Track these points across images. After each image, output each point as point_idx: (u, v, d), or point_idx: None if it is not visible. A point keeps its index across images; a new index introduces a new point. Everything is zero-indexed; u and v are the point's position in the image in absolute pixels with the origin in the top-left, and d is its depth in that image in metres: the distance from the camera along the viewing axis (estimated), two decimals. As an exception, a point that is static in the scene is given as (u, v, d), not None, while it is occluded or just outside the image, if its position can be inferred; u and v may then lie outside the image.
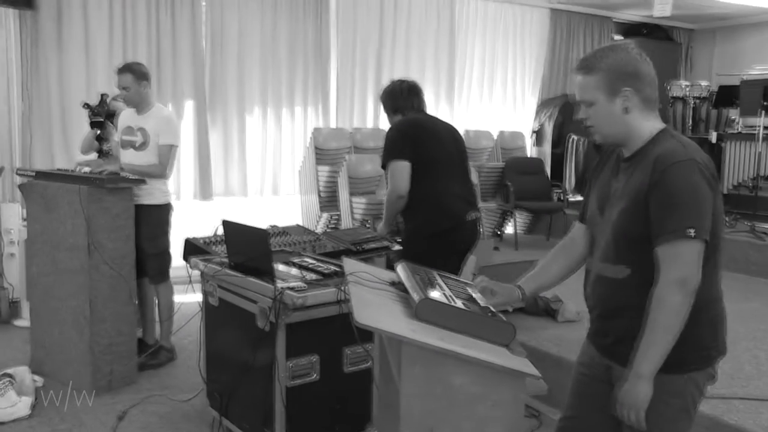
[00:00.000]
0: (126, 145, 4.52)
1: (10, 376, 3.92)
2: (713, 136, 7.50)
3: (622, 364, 2.05)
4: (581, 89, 2.04)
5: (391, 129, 3.88)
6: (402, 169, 3.72)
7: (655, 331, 1.90)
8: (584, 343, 2.29)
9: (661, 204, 1.89)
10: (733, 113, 8.24)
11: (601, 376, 2.16)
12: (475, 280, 2.26)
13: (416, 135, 3.78)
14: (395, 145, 3.77)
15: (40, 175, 4.40)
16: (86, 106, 4.81)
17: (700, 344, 2.00)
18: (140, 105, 4.50)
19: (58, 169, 4.66)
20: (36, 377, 4.14)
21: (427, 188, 3.75)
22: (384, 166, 3.83)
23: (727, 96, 8.06)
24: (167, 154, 4.46)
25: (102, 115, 4.78)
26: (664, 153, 1.93)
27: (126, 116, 4.61)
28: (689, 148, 1.94)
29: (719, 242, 1.98)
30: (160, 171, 4.47)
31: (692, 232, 1.85)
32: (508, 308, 2.34)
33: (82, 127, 5.87)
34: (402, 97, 3.91)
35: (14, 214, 5.76)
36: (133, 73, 4.42)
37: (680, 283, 1.87)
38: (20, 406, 3.78)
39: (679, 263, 1.88)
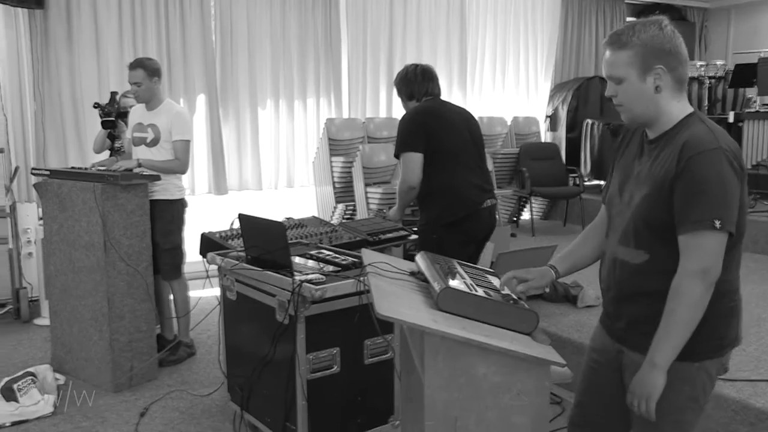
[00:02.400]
0: (138, 142, 4.51)
1: (32, 374, 3.94)
2: (731, 116, 7.39)
3: (632, 349, 2.03)
4: (611, 65, 1.96)
5: (403, 118, 3.84)
6: (414, 160, 3.68)
7: (672, 321, 1.87)
8: (596, 327, 2.27)
9: (686, 193, 1.84)
10: (751, 92, 8.13)
11: (612, 361, 2.13)
12: (503, 278, 2.22)
13: (429, 124, 3.73)
14: (408, 136, 3.73)
15: (55, 173, 4.40)
16: (97, 105, 4.82)
17: (714, 334, 1.96)
18: (151, 101, 4.49)
19: (72, 168, 4.66)
20: (58, 375, 4.16)
21: (443, 177, 3.72)
22: (397, 156, 3.79)
23: (744, 75, 7.94)
24: (183, 149, 4.46)
25: (113, 114, 4.79)
26: (692, 139, 1.86)
27: (136, 113, 4.60)
28: (718, 135, 1.87)
29: (742, 233, 1.93)
30: (180, 167, 4.47)
31: (718, 223, 1.80)
32: (545, 290, 2.32)
33: (94, 125, 5.90)
34: (416, 83, 3.86)
35: (31, 214, 5.79)
36: (145, 68, 4.41)
37: (701, 274, 1.83)
38: (43, 404, 3.81)
39: (701, 254, 1.83)
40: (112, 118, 4.78)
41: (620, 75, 1.95)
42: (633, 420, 2.07)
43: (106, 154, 5.02)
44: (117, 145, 4.86)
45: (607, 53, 1.97)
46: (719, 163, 1.82)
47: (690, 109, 1.98)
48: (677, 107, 1.96)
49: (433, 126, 3.74)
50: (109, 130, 4.85)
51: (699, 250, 1.84)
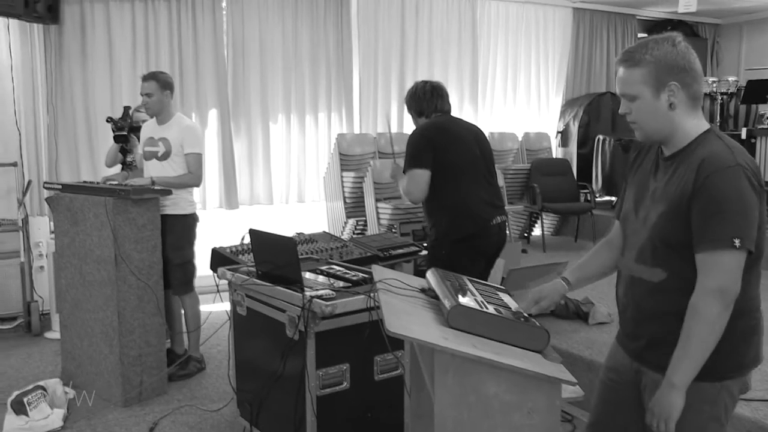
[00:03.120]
0: (149, 156, 4.54)
1: (42, 388, 3.94)
2: (743, 132, 7.34)
3: (652, 368, 2.01)
4: (624, 83, 1.95)
5: (412, 135, 3.83)
6: (420, 177, 3.67)
7: (690, 341, 1.85)
8: (612, 346, 2.25)
9: (705, 211, 1.82)
10: (763, 108, 8.10)
11: (630, 381, 2.11)
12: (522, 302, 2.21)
13: (438, 141, 3.72)
14: (416, 152, 3.73)
15: (67, 188, 4.42)
16: (110, 120, 4.84)
17: (735, 353, 1.94)
18: (161, 115, 4.51)
19: (84, 182, 4.69)
20: (67, 389, 4.16)
21: (452, 193, 3.71)
22: (405, 172, 3.78)
23: (756, 91, 7.91)
24: (196, 162, 4.47)
25: (125, 129, 4.80)
26: (710, 157, 1.84)
27: (148, 127, 4.63)
28: (736, 152, 1.85)
29: (762, 251, 1.90)
30: (194, 180, 4.49)
31: (737, 242, 1.79)
32: (560, 302, 2.30)
33: (107, 139, 5.93)
34: (425, 99, 3.87)
35: (43, 227, 5.82)
36: (158, 81, 4.44)
37: (719, 293, 1.82)
38: (53, 418, 3.80)
39: (719, 272, 1.82)
40: (125, 133, 4.81)
41: (634, 93, 1.94)
42: None
43: (117, 168, 5.04)
44: (129, 159, 4.88)
45: (621, 71, 1.96)
46: (738, 181, 1.81)
47: (706, 126, 1.96)
48: (692, 124, 1.94)
49: (442, 141, 3.73)
50: (121, 145, 4.87)
51: (717, 268, 1.82)
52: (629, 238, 2.09)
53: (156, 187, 4.25)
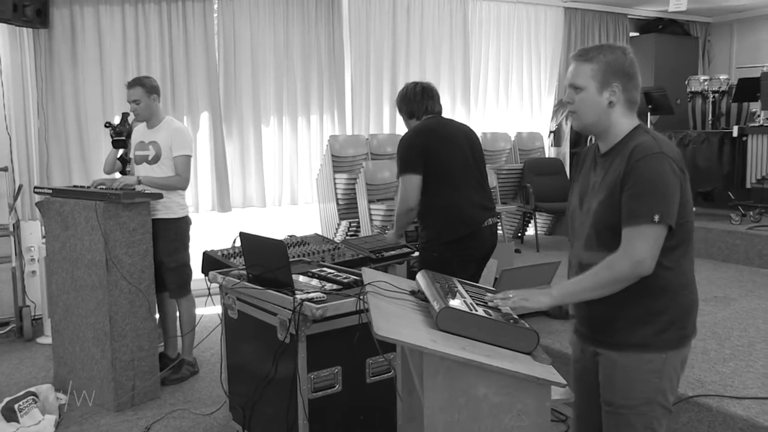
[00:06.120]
0: (139, 160, 4.53)
1: (33, 394, 3.93)
2: (735, 130, 7.34)
3: (608, 347, 2.18)
4: (574, 74, 2.16)
5: (402, 139, 3.82)
6: (412, 182, 3.68)
7: (590, 278, 2.08)
8: (572, 342, 2.41)
9: (632, 190, 2.03)
10: (755, 106, 8.10)
11: (592, 367, 2.27)
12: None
13: (429, 145, 3.71)
14: (406, 158, 3.72)
15: (57, 192, 4.41)
16: (108, 125, 4.81)
17: (677, 324, 2.13)
18: (151, 119, 4.51)
19: (75, 186, 4.67)
20: (59, 395, 4.15)
21: (443, 197, 3.70)
22: (397, 178, 3.78)
23: (747, 89, 7.91)
24: (184, 164, 4.46)
25: (124, 134, 4.77)
26: (639, 145, 2.07)
27: (138, 132, 4.63)
28: (661, 143, 2.08)
29: (690, 229, 2.12)
30: (181, 182, 4.47)
31: (657, 217, 1.99)
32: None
33: (98, 143, 5.92)
34: (416, 101, 3.86)
35: (34, 232, 5.80)
36: (143, 86, 4.43)
37: (636, 262, 2.00)
38: (44, 424, 3.79)
39: (640, 244, 2.00)
40: (123, 138, 4.76)
41: (581, 84, 2.15)
42: (603, 420, 2.21)
43: (115, 175, 4.99)
44: (129, 168, 4.83)
45: (573, 65, 2.18)
46: (661, 165, 2.03)
47: (636, 123, 2.18)
48: (626, 123, 2.16)
49: (433, 146, 3.72)
50: (120, 152, 4.81)
51: (639, 240, 2.01)
52: (577, 230, 2.28)
53: (146, 191, 4.24)
